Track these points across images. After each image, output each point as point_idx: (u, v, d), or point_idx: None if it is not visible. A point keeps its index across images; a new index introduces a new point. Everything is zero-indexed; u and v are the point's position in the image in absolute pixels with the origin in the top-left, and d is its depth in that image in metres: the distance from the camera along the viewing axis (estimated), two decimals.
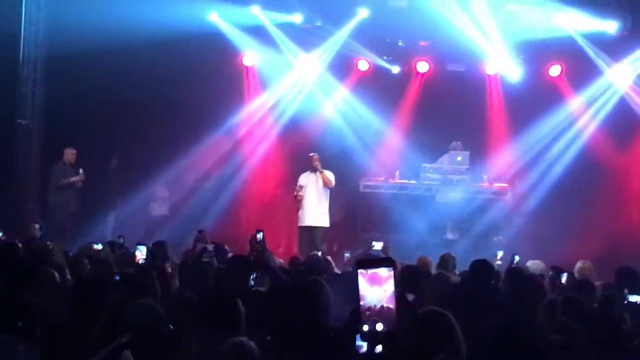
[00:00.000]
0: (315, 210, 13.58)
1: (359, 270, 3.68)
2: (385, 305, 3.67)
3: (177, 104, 15.48)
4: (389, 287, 3.71)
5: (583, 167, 15.21)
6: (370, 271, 3.71)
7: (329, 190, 13.75)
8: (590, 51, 15.15)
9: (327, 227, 13.71)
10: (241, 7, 15.46)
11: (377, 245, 10.84)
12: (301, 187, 13.64)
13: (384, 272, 3.71)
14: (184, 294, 6.07)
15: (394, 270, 3.71)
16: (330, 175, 13.61)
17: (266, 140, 16.39)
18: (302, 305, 4.36)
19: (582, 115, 15.56)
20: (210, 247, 8.88)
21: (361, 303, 3.67)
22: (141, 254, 7.95)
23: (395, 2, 14.90)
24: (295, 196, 13.65)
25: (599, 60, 15.30)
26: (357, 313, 3.65)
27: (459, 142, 14.79)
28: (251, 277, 6.84)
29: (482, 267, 7.13)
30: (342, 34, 15.57)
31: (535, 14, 14.67)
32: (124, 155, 15.49)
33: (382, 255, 9.03)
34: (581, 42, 15.08)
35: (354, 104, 16.11)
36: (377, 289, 3.71)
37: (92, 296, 5.15)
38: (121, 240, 10.75)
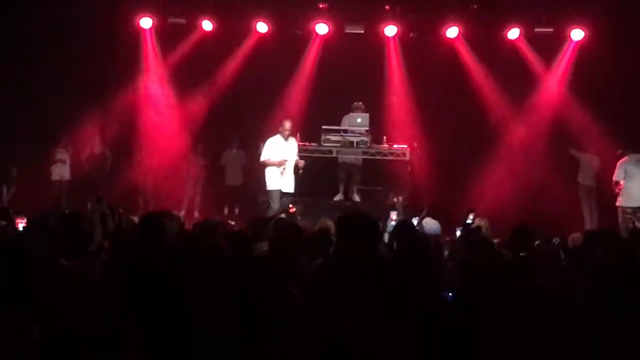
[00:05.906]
0: (291, 178, 13.49)
1: None
2: None
3: (77, 66, 15.07)
4: None
5: (481, 124, 15.51)
6: None
7: None
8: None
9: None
10: None
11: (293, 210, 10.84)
12: (285, 160, 13.40)
13: None
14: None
15: None
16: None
17: (166, 106, 16.21)
18: None
19: (478, 75, 15.78)
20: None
21: None
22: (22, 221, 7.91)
23: None
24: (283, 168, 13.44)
25: (496, 21, 15.52)
26: None
27: (360, 103, 14.79)
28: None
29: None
30: None
31: None
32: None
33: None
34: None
35: (252, 66, 15.93)
36: None
37: None
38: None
